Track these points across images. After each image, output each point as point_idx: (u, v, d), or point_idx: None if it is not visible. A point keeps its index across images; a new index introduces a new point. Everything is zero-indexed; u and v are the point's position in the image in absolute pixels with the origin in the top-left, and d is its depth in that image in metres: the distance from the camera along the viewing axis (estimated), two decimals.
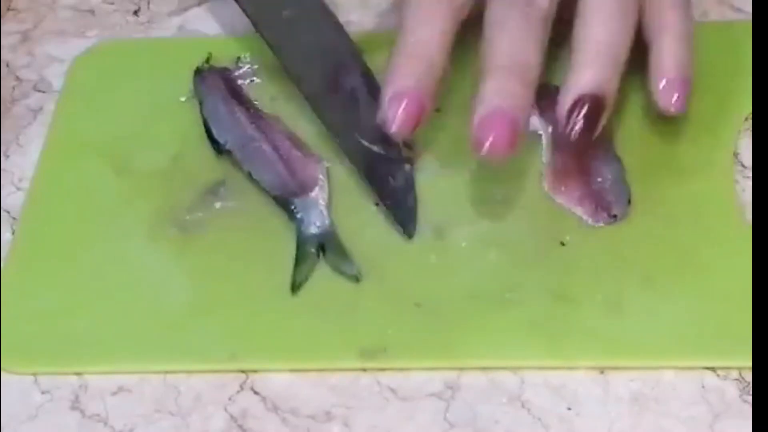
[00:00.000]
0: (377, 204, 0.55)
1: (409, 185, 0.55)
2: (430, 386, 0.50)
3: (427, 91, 0.52)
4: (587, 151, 0.55)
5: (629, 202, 0.54)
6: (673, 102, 0.53)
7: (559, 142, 0.56)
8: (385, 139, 0.54)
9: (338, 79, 0.58)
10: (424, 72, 0.52)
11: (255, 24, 0.59)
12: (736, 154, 0.56)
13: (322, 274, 0.53)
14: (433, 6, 0.53)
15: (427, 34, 0.53)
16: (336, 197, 0.55)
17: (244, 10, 0.60)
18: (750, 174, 0.55)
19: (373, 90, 0.56)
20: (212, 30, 0.65)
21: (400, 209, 0.54)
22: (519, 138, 0.50)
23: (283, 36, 0.58)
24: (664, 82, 0.53)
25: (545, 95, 0.56)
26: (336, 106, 0.57)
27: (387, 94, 0.52)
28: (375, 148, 0.55)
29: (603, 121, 0.52)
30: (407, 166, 0.55)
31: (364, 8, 0.64)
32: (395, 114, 0.51)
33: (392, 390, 0.50)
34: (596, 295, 0.51)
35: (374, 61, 0.58)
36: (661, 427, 0.48)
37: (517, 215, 0.54)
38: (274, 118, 0.58)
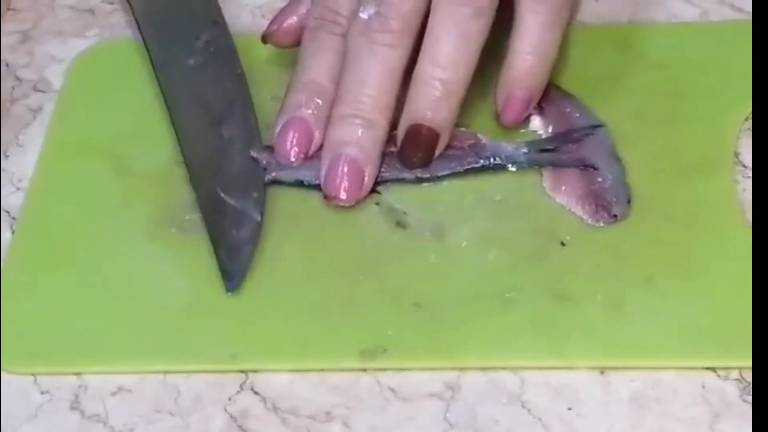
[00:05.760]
0: (378, 204, 0.55)
1: (251, 240, 0.53)
2: (430, 386, 0.49)
3: (318, 120, 0.55)
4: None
5: (629, 202, 0.54)
6: (508, 117, 0.56)
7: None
8: (243, 191, 0.55)
9: (219, 127, 0.57)
10: (314, 103, 0.55)
11: (155, 67, 0.59)
12: (736, 154, 0.56)
13: (321, 272, 0.53)
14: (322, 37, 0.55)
15: (316, 66, 0.55)
16: None
17: (147, 51, 0.59)
18: (750, 174, 0.55)
19: (249, 143, 0.57)
20: None
21: (231, 261, 0.53)
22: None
23: (178, 80, 0.58)
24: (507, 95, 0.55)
25: (545, 95, 0.56)
26: (206, 149, 0.57)
27: (278, 123, 0.55)
28: (230, 200, 0.54)
29: (438, 150, 0.54)
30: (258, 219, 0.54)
31: None
32: (285, 141, 0.55)
33: (392, 390, 0.50)
34: (596, 295, 0.51)
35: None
36: (662, 427, 0.48)
37: (517, 215, 0.54)
38: None
